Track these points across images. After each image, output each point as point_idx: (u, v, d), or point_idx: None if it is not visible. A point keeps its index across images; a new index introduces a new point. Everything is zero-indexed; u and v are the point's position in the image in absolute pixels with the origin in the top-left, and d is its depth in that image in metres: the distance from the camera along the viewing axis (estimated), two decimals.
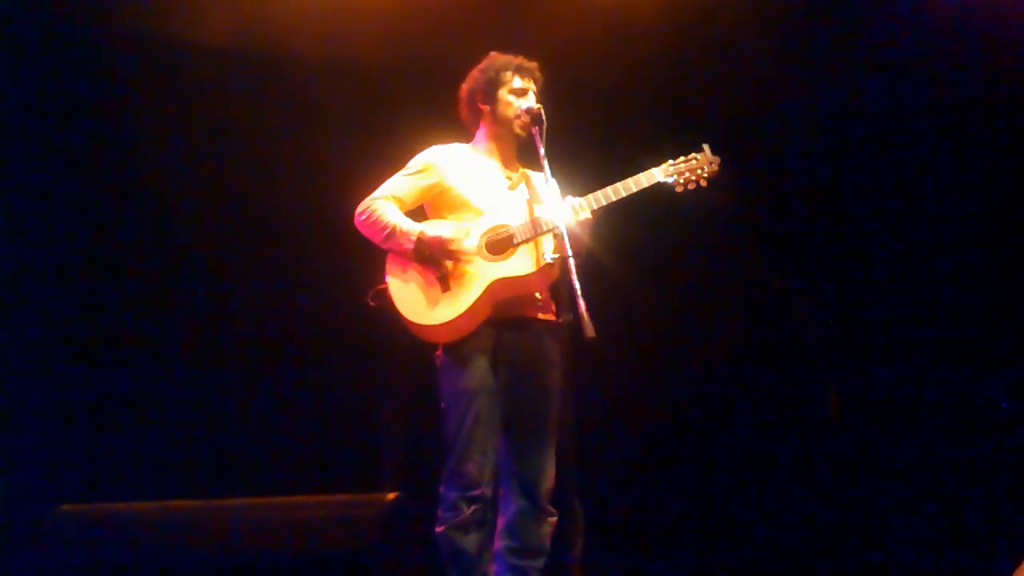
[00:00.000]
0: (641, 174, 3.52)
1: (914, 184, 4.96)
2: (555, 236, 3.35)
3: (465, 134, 3.81)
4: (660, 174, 3.52)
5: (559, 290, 3.27)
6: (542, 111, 3.56)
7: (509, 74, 3.68)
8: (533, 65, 3.72)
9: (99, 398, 4.84)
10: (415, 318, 3.49)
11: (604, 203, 3.50)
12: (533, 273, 3.47)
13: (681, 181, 3.52)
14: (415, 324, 3.50)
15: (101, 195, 4.96)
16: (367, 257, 3.67)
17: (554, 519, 3.46)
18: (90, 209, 4.94)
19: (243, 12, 4.82)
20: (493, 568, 3.46)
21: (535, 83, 3.70)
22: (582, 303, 3.07)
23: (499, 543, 3.47)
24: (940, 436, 4.83)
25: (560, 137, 3.58)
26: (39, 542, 3.67)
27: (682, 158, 3.54)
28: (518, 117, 3.62)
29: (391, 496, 3.49)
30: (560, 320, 3.18)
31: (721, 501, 4.88)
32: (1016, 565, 3.91)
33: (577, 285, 3.09)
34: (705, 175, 3.51)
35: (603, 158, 4.16)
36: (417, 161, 3.67)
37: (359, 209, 3.61)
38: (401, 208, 3.61)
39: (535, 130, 3.52)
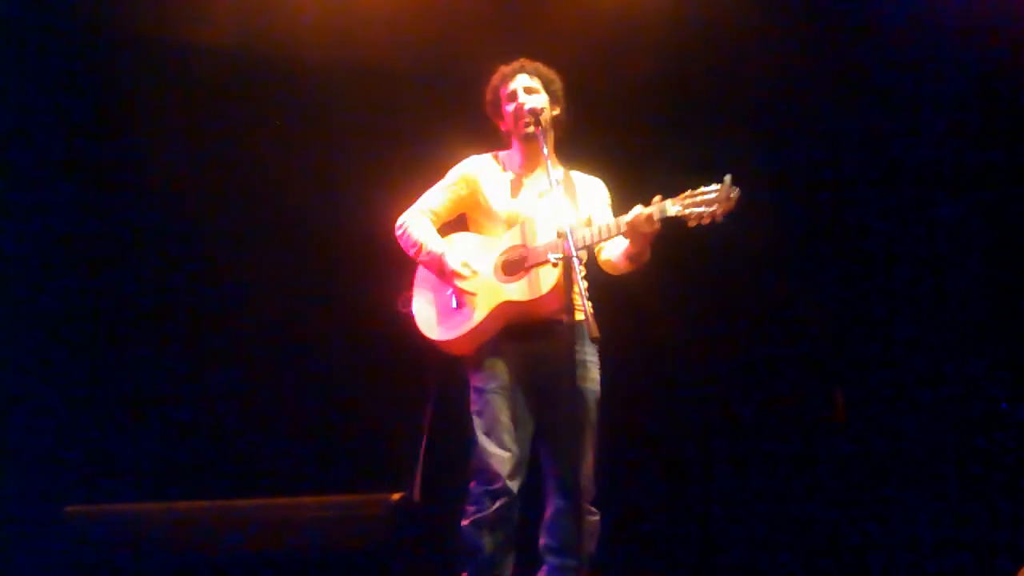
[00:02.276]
0: (653, 208, 3.34)
1: (916, 185, 4.98)
2: (559, 235, 3.37)
3: (488, 141, 3.85)
4: (671, 209, 3.32)
5: (566, 290, 3.30)
6: (538, 108, 3.57)
7: (500, 86, 3.73)
8: (513, 66, 3.72)
9: (106, 399, 4.84)
10: (424, 329, 3.60)
11: (606, 236, 3.45)
12: (533, 301, 3.47)
13: (693, 215, 3.28)
14: (427, 337, 3.59)
15: (106, 196, 4.96)
16: (375, 257, 3.70)
17: (595, 518, 3.45)
18: (95, 210, 4.94)
19: (250, 15, 4.82)
20: (543, 568, 3.49)
21: (531, 76, 3.69)
22: (587, 304, 3.08)
23: (541, 541, 3.50)
24: (941, 437, 4.85)
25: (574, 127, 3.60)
26: (45, 543, 3.68)
27: (701, 189, 3.29)
28: (519, 118, 3.65)
29: (397, 496, 3.52)
30: (565, 320, 3.20)
31: (726, 501, 4.89)
32: (1018, 565, 3.93)
33: (582, 285, 3.10)
34: (720, 211, 3.26)
35: (608, 159, 4.17)
36: (453, 173, 3.73)
37: (398, 223, 3.70)
38: (436, 221, 3.69)
39: (538, 130, 3.53)
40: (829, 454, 4.92)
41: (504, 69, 3.73)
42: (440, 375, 4.13)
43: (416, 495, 4.14)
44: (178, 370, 4.92)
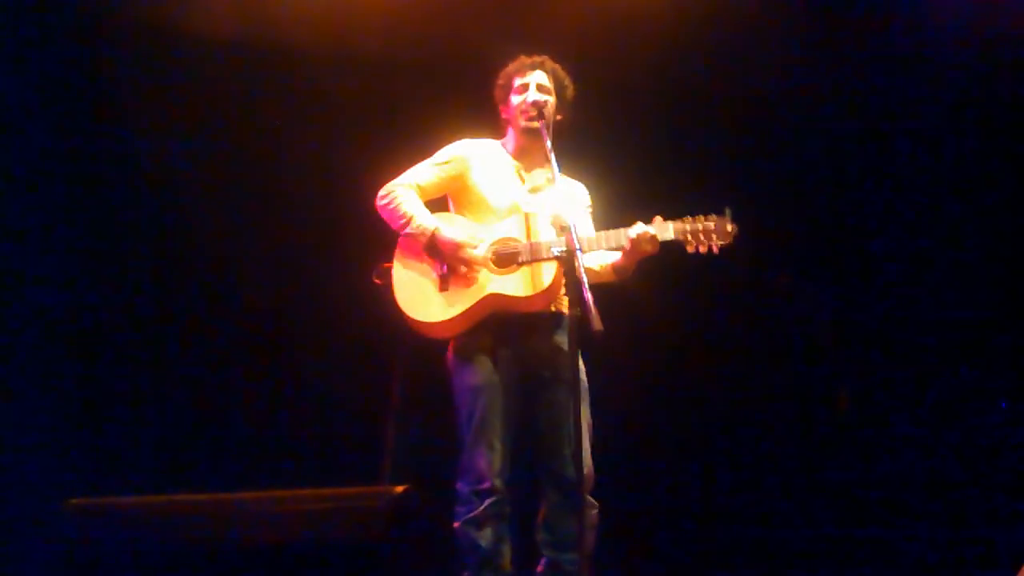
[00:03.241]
0: (654, 227, 3.44)
1: (918, 183, 4.99)
2: (563, 229, 3.38)
3: (480, 127, 3.86)
4: (672, 232, 3.43)
5: (568, 284, 3.31)
6: (546, 104, 3.58)
7: (516, 74, 3.73)
8: (535, 59, 3.74)
9: (107, 392, 4.86)
10: (406, 308, 3.55)
11: (605, 246, 3.51)
12: (529, 297, 3.49)
13: (692, 241, 3.41)
14: (405, 314, 3.55)
15: (102, 190, 4.97)
16: (375, 250, 3.70)
17: (594, 511, 3.46)
18: (91, 204, 4.95)
19: (248, 4, 4.84)
20: (541, 560, 3.51)
21: (548, 76, 3.71)
22: (590, 296, 3.10)
23: (538, 536, 3.52)
24: (942, 436, 4.85)
25: (566, 136, 3.60)
26: (48, 535, 3.69)
27: (701, 218, 3.42)
28: (522, 112, 3.66)
29: (399, 489, 3.52)
30: (568, 313, 3.22)
31: (727, 495, 4.90)
32: (1018, 566, 3.93)
33: (585, 278, 3.11)
34: (719, 242, 3.40)
35: (611, 155, 4.19)
36: (445, 152, 3.71)
37: (381, 192, 3.64)
38: (423, 197, 3.64)
39: (541, 124, 3.53)
40: (831, 451, 4.93)
41: (525, 59, 3.74)
42: (407, 357, 4.12)
43: (386, 478, 4.16)
44: (181, 363, 4.93)
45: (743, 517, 4.86)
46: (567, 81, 3.75)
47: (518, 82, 3.71)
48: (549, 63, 3.75)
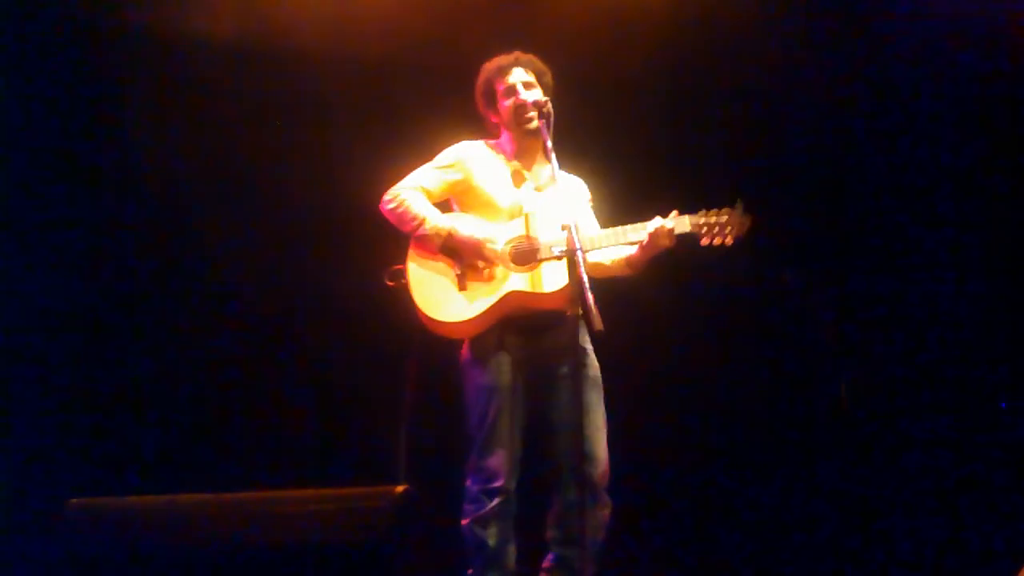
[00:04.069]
0: (671, 220, 3.51)
1: (921, 177, 4.99)
2: (564, 229, 3.39)
3: (478, 128, 3.86)
4: (688, 225, 3.52)
5: (571, 282, 3.32)
6: (549, 103, 3.58)
7: (496, 79, 3.74)
8: (512, 57, 3.75)
9: (109, 392, 4.86)
10: (426, 309, 3.56)
11: (623, 241, 3.56)
12: (551, 294, 3.51)
13: (707, 234, 3.52)
14: (425, 315, 3.57)
15: (104, 191, 4.98)
16: (378, 249, 3.72)
17: (606, 510, 3.49)
18: (93, 204, 4.96)
19: (248, 7, 4.85)
20: (548, 556, 3.53)
21: (526, 70, 3.72)
22: (590, 295, 3.11)
23: (548, 533, 3.54)
24: (941, 436, 4.86)
25: (565, 133, 3.60)
26: (50, 536, 3.69)
27: (714, 211, 3.52)
28: (517, 115, 3.66)
29: (400, 489, 3.53)
30: (569, 313, 3.23)
31: (731, 493, 4.90)
32: (1018, 566, 3.93)
33: (585, 278, 3.13)
34: (732, 234, 3.50)
35: (609, 154, 4.18)
36: (447, 155, 3.71)
37: (387, 196, 3.65)
38: (429, 200, 3.66)
39: (542, 123, 3.54)
40: (830, 449, 4.93)
41: (500, 61, 3.75)
42: (421, 356, 4.13)
43: (402, 480, 4.17)
44: (184, 363, 4.93)
45: (746, 514, 4.86)
46: (544, 67, 3.77)
47: (502, 86, 3.71)
48: (523, 57, 3.76)
